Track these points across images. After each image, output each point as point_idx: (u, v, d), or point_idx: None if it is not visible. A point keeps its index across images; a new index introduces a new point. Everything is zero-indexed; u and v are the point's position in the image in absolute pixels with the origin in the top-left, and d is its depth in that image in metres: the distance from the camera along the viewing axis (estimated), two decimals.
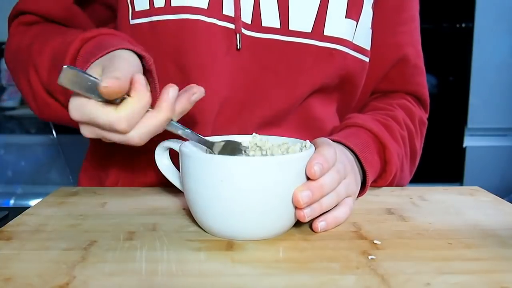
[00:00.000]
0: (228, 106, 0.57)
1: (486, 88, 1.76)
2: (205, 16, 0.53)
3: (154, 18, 0.54)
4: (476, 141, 1.81)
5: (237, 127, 0.56)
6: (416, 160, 0.65)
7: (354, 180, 0.48)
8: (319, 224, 0.42)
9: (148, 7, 0.54)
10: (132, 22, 0.56)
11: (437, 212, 0.49)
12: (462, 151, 1.81)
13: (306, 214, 0.40)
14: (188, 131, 0.43)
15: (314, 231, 0.42)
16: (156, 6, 0.54)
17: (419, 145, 0.65)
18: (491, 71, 1.75)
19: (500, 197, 0.54)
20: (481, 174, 1.80)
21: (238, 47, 0.55)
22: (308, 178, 0.40)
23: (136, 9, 0.55)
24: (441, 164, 1.75)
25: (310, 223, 0.43)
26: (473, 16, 1.73)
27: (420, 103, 0.69)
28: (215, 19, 0.54)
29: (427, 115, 0.69)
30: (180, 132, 0.43)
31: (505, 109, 1.79)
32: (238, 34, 0.54)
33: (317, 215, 0.41)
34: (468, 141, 1.81)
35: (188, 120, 0.56)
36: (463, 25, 1.76)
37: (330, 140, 0.45)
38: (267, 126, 0.59)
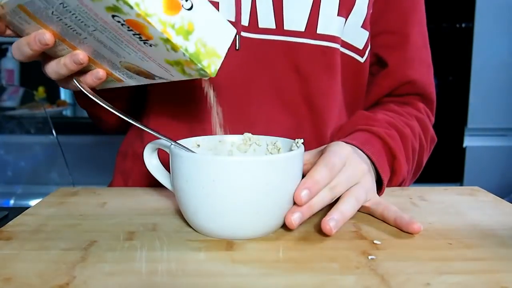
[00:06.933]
0: (227, 105, 0.57)
1: (485, 88, 1.76)
2: None
3: None
4: (476, 141, 1.81)
5: (236, 127, 0.56)
6: (418, 173, 0.65)
7: (371, 180, 0.47)
8: (331, 225, 0.39)
9: None
10: None
11: (437, 212, 0.49)
12: (462, 151, 1.81)
13: (295, 221, 0.39)
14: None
15: (325, 233, 0.40)
16: None
17: (425, 160, 0.66)
18: (490, 71, 1.76)
19: (500, 197, 0.54)
20: (481, 174, 1.80)
21: (237, 48, 0.56)
22: (303, 176, 0.40)
23: None
24: (441, 164, 1.75)
25: (309, 223, 0.43)
26: (473, 16, 1.73)
27: (426, 103, 0.68)
28: None
29: (433, 113, 0.68)
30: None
31: (505, 109, 1.79)
32: (237, 36, 0.55)
33: (306, 218, 0.40)
34: (468, 141, 1.81)
35: (187, 121, 0.56)
36: (463, 25, 1.76)
37: (344, 144, 0.45)
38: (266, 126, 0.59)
